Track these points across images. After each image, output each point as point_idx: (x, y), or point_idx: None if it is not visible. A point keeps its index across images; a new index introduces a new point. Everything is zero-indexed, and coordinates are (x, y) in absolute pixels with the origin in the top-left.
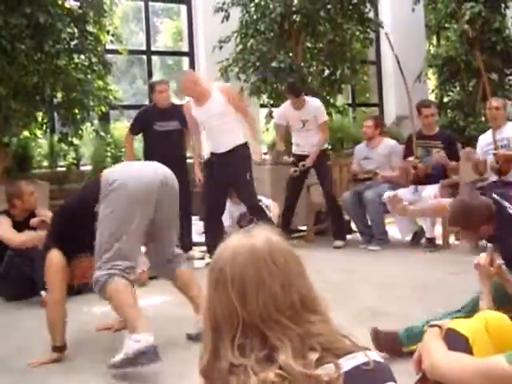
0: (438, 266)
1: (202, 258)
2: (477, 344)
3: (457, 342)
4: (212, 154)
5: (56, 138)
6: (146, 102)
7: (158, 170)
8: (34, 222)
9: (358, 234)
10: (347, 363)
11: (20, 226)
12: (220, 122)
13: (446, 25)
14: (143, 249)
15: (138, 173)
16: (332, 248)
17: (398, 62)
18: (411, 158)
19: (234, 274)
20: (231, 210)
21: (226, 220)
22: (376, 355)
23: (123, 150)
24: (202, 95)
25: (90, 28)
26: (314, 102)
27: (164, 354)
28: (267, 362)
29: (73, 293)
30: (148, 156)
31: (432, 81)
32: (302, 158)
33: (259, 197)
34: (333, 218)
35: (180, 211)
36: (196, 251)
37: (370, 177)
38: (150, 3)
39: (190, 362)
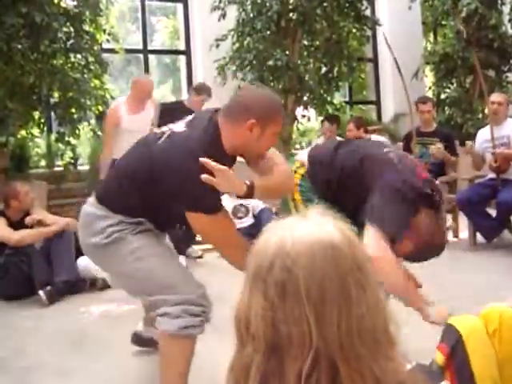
0: (435, 262)
1: (200, 257)
2: (471, 343)
3: (450, 335)
4: None
5: (53, 137)
6: None
7: None
8: (29, 220)
9: None
10: None
11: (16, 226)
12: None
13: (443, 22)
14: None
15: None
16: None
17: (397, 63)
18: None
19: (311, 280)
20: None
21: None
22: None
23: None
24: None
25: (86, 27)
26: None
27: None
28: None
29: (71, 292)
30: None
31: (429, 78)
32: None
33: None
34: None
35: None
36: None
37: None
38: (147, 2)
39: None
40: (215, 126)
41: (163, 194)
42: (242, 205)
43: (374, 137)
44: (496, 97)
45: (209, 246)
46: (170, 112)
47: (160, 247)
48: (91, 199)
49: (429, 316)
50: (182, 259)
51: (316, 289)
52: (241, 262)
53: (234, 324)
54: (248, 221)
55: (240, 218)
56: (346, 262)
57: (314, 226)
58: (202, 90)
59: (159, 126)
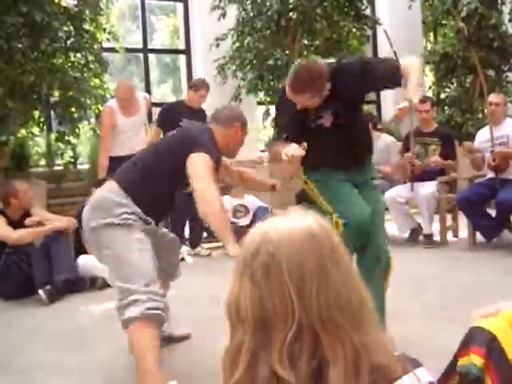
0: (435, 262)
1: (209, 255)
2: (504, 342)
3: (481, 337)
4: None
5: (53, 136)
6: None
7: None
8: (28, 221)
9: None
10: None
11: (15, 225)
12: None
13: (443, 21)
14: None
15: None
16: None
17: (396, 57)
18: (409, 154)
19: (292, 261)
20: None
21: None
22: (426, 374)
23: None
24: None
25: (86, 26)
26: None
27: (170, 348)
28: (314, 379)
29: (71, 291)
30: None
31: (429, 77)
32: None
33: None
34: None
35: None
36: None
37: None
38: (147, 1)
39: (187, 355)
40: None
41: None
42: (241, 205)
43: (384, 135)
44: (493, 97)
45: (216, 244)
46: (171, 112)
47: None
48: (113, 186)
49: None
50: (188, 258)
51: (296, 268)
52: (214, 216)
53: (225, 312)
54: (247, 220)
55: (239, 217)
56: (322, 245)
57: (294, 220)
58: (200, 86)
59: (163, 127)
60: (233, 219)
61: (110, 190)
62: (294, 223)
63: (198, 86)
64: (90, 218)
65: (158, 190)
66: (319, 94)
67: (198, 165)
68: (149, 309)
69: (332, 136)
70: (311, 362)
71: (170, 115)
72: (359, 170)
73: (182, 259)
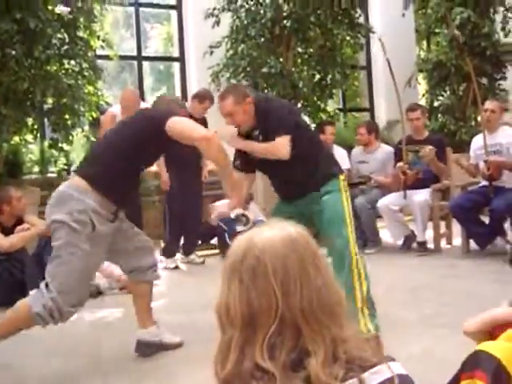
0: (428, 269)
1: (203, 263)
2: (510, 367)
3: (485, 361)
4: None
5: (46, 143)
6: None
7: None
8: (18, 230)
9: None
10: (371, 378)
11: (7, 232)
12: None
13: (436, 30)
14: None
15: None
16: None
17: (390, 67)
18: (400, 164)
19: (276, 263)
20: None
21: None
22: (399, 367)
23: None
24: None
25: (80, 33)
26: (339, 150)
27: (156, 357)
28: (294, 369)
29: None
30: (170, 161)
31: (422, 85)
32: None
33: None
34: None
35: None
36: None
37: (363, 181)
38: (141, 9)
39: (179, 365)
40: None
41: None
42: (243, 215)
43: (383, 145)
44: (489, 104)
45: (210, 252)
46: None
47: (98, 256)
48: (76, 180)
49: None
50: (182, 265)
51: (281, 268)
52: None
53: (216, 314)
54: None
55: (239, 225)
56: (304, 249)
57: (275, 228)
58: (206, 98)
59: None
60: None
61: (70, 185)
62: (276, 231)
63: (204, 98)
64: (50, 213)
65: (125, 172)
66: (243, 110)
67: (181, 123)
68: (44, 309)
69: (267, 169)
70: (291, 354)
71: None
72: (304, 199)
73: (176, 267)
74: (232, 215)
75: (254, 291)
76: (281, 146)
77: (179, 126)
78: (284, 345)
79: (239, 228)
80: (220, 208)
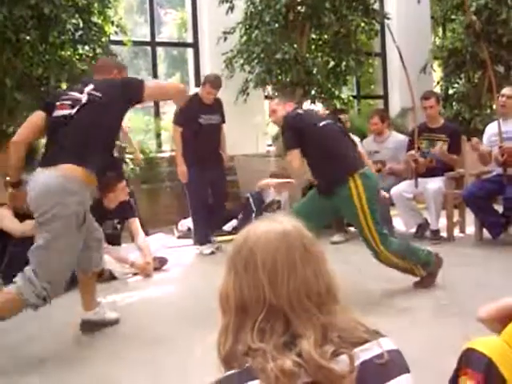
0: (442, 258)
1: (217, 248)
2: (503, 364)
3: (475, 360)
4: None
5: None
6: None
7: None
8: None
9: None
10: (362, 354)
11: (21, 218)
12: None
13: (452, 16)
14: (151, 238)
15: None
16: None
17: (400, 53)
18: (412, 152)
19: (266, 256)
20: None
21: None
22: (390, 343)
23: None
24: None
25: (94, 19)
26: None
27: (168, 342)
28: (285, 349)
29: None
30: (192, 149)
31: (437, 73)
32: None
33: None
34: None
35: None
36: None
37: (378, 169)
38: None
39: (192, 350)
40: None
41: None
42: (278, 201)
43: (394, 133)
44: (506, 90)
45: (228, 238)
46: (188, 108)
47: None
48: (66, 169)
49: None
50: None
51: (269, 260)
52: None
53: (219, 298)
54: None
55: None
56: (295, 242)
57: (272, 222)
58: (218, 86)
59: (182, 124)
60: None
61: (62, 175)
62: (272, 225)
63: (217, 86)
64: (42, 204)
65: (105, 147)
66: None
67: (153, 83)
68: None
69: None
70: (283, 337)
71: (189, 112)
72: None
73: (212, 252)
74: (272, 196)
75: (245, 281)
76: (291, 162)
77: (150, 90)
78: (274, 330)
79: (268, 211)
80: (271, 183)
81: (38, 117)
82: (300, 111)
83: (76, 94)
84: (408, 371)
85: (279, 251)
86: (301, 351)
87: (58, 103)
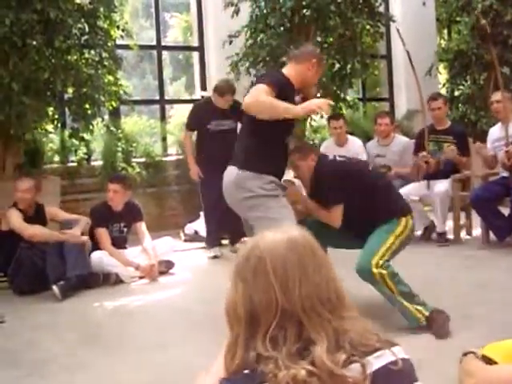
0: (448, 260)
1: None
2: None
3: None
4: None
5: (67, 133)
6: (157, 97)
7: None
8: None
9: None
10: (375, 362)
11: (29, 221)
12: None
13: (458, 18)
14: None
15: None
16: None
17: (410, 58)
18: (424, 153)
19: (276, 262)
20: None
21: None
22: (402, 352)
23: (134, 144)
24: None
25: (100, 23)
26: (355, 142)
27: (174, 346)
28: (298, 357)
29: (84, 287)
30: (202, 156)
31: (443, 75)
32: None
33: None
34: None
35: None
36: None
37: (384, 171)
38: None
39: (200, 353)
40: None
41: None
42: (289, 180)
43: (399, 136)
44: (494, 96)
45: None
46: (200, 114)
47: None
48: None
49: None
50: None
51: (280, 266)
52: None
53: (226, 313)
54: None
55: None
56: (303, 248)
57: (279, 231)
58: (224, 92)
59: (194, 130)
60: None
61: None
62: (279, 234)
63: (224, 92)
64: (237, 194)
65: (272, 148)
66: (307, 165)
67: (252, 91)
68: None
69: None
70: (295, 344)
71: (200, 117)
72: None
73: (215, 257)
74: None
75: (255, 289)
76: (334, 218)
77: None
78: (287, 337)
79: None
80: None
81: None
82: (331, 156)
83: None
84: (417, 380)
85: (289, 257)
86: (314, 358)
87: None
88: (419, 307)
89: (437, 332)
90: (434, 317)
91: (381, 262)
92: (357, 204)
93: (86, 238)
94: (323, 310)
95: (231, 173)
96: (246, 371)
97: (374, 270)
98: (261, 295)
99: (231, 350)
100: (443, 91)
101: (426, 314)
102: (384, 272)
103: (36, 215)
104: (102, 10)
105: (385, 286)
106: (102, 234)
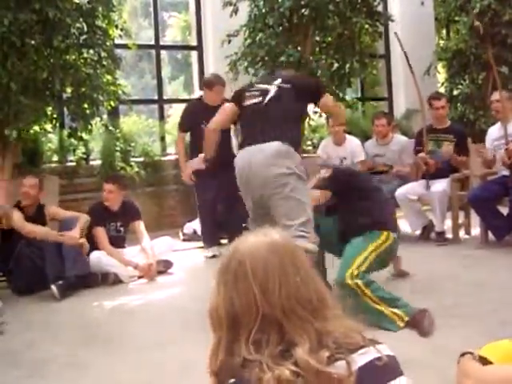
0: (447, 259)
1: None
2: None
3: None
4: None
5: (65, 132)
6: (155, 97)
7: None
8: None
9: None
10: (359, 359)
11: (29, 220)
12: None
13: (456, 18)
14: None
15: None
16: None
17: (408, 60)
18: (422, 154)
19: (256, 266)
20: None
21: None
22: (387, 349)
23: (132, 144)
24: None
25: (99, 23)
26: (353, 141)
27: (172, 346)
28: (281, 358)
29: (83, 287)
30: (196, 156)
31: (442, 74)
32: None
33: None
34: None
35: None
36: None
37: (385, 170)
38: None
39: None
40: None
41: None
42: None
43: (397, 135)
44: (494, 96)
45: None
46: (192, 114)
47: None
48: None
49: None
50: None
51: (260, 269)
52: None
53: (209, 316)
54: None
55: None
56: (284, 250)
57: (260, 235)
58: (213, 84)
59: (186, 131)
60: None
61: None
62: (260, 237)
63: (213, 84)
64: (273, 164)
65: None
66: None
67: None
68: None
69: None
70: (278, 346)
71: (193, 117)
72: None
73: (214, 256)
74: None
75: (236, 292)
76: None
77: None
78: (269, 340)
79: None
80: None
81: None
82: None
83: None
84: (403, 374)
85: (269, 260)
86: (296, 360)
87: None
88: (399, 312)
89: (422, 332)
90: (418, 318)
91: (356, 272)
92: (353, 203)
93: (83, 240)
94: (304, 312)
95: (271, 146)
96: (232, 380)
97: (349, 282)
98: (241, 298)
99: (214, 354)
100: (442, 90)
101: (406, 318)
102: (359, 282)
103: (36, 215)
104: (100, 9)
105: (363, 295)
106: (100, 232)
